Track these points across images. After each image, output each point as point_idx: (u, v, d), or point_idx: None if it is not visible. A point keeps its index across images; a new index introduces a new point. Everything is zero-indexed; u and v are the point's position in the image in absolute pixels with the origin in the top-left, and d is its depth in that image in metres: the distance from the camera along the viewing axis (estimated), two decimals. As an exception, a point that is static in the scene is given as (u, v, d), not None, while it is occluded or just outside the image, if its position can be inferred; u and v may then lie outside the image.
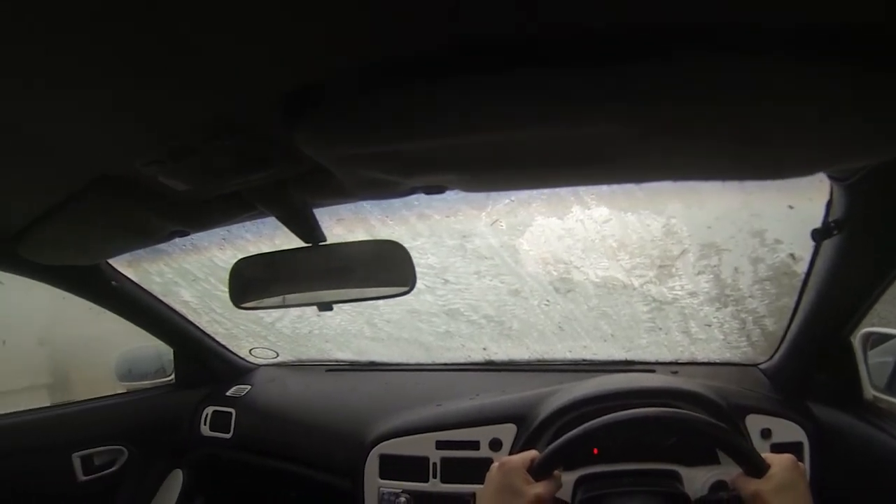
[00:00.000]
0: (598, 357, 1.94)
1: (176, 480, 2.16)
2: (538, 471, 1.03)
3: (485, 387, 1.82)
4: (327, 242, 1.22)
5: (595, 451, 1.38)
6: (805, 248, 1.33)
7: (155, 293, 1.99)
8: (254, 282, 1.29)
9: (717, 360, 1.84)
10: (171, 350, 2.24)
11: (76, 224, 1.32)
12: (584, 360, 1.96)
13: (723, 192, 1.52)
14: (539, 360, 2.03)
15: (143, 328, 2.08)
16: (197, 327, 2.18)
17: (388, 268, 1.20)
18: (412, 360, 2.22)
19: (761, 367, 1.71)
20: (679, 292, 1.78)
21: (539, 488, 1.00)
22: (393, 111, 0.70)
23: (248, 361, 2.40)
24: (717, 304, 1.75)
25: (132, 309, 1.99)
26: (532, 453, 1.07)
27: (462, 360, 2.14)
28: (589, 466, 1.37)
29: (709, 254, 1.66)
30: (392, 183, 0.99)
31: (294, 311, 2.16)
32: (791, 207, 1.40)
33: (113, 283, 1.86)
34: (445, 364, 2.16)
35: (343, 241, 1.24)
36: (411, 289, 1.20)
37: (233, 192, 1.09)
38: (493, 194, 1.60)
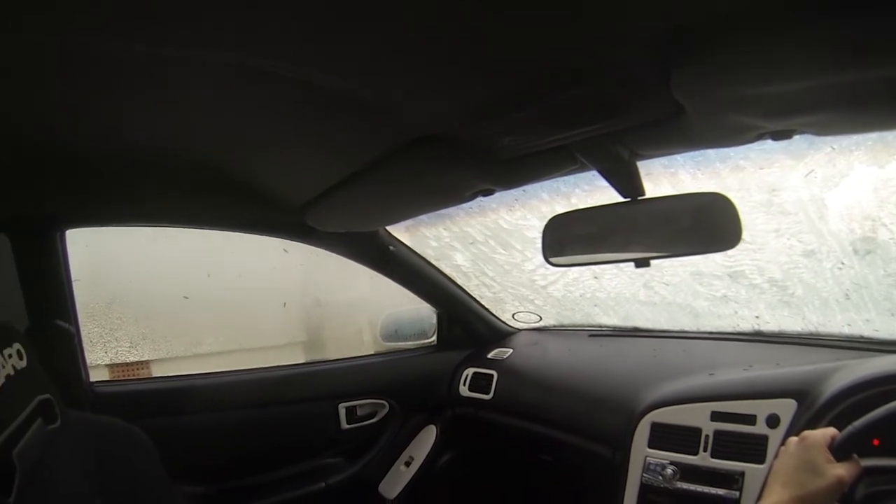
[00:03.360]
0: (880, 335, 1.66)
1: (429, 435, 2.26)
2: (840, 450, 0.94)
3: (756, 358, 1.67)
4: (646, 197, 1.15)
5: (876, 441, 1.17)
6: None
7: (428, 257, 2.05)
8: (568, 237, 1.25)
9: None
10: (434, 313, 2.33)
11: (369, 193, 1.39)
12: (862, 337, 1.69)
13: None
14: (812, 334, 1.81)
15: (411, 291, 2.18)
16: (464, 290, 2.23)
17: (711, 222, 1.10)
18: (677, 328, 2.10)
19: None
20: None
21: (841, 469, 0.90)
22: (772, 52, 0.66)
23: (509, 325, 2.42)
24: None
25: (404, 273, 2.09)
26: (831, 430, 0.96)
27: (729, 329, 1.98)
28: (871, 458, 1.16)
29: None
30: (746, 128, 0.93)
31: (571, 274, 2.14)
32: None
33: (391, 248, 1.96)
34: (711, 332, 2.01)
35: (662, 195, 1.16)
36: (735, 244, 1.08)
37: (555, 147, 1.06)
38: (817, 142, 1.43)
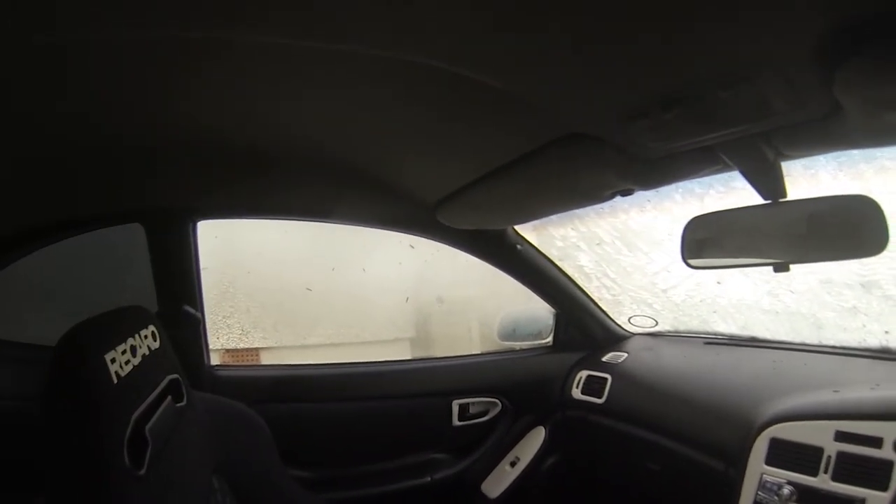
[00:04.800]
0: None
1: (538, 436, 2.27)
2: None
3: (884, 377, 1.56)
4: (789, 199, 1.13)
5: None
6: None
7: (552, 257, 2.08)
8: (708, 239, 1.25)
9: None
10: (552, 314, 2.34)
11: (504, 191, 1.42)
12: None
13: None
14: None
15: (532, 290, 2.20)
16: (584, 292, 2.24)
17: (856, 226, 1.08)
18: (798, 339, 2.00)
19: None
20: None
21: None
22: None
23: (624, 329, 2.41)
24: None
25: (527, 272, 2.12)
26: None
27: (854, 345, 1.88)
28: None
29: None
30: None
31: (694, 278, 2.13)
32: None
33: (518, 247, 2.01)
34: (835, 347, 1.91)
35: (805, 197, 1.14)
36: (882, 250, 1.05)
37: (700, 148, 1.07)
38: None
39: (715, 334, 2.24)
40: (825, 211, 1.12)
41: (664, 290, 2.27)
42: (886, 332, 1.86)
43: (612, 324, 2.38)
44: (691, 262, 1.29)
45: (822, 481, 1.31)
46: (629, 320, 2.40)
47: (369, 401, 1.99)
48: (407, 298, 3.02)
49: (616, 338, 2.37)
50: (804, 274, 1.90)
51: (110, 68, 0.86)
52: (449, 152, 1.32)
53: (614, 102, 0.95)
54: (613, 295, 2.34)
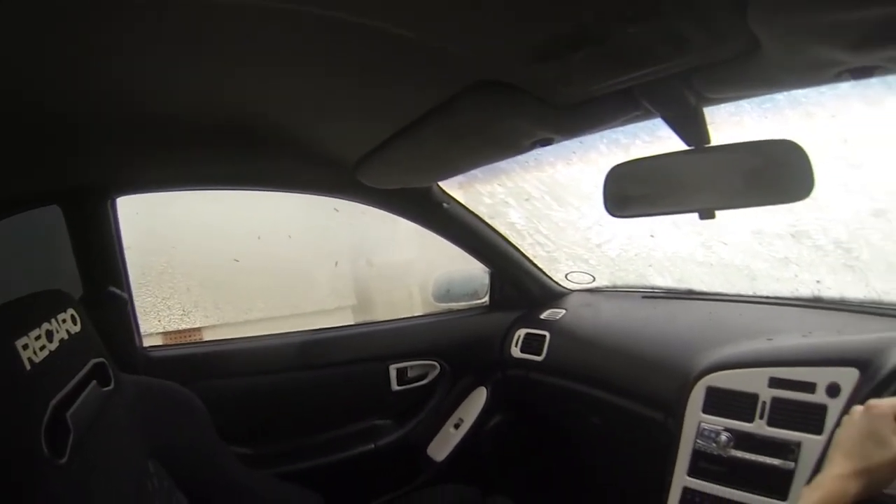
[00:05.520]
0: None
1: (479, 397, 2.26)
2: None
3: (816, 325, 1.60)
4: (713, 144, 1.10)
5: None
6: None
7: (481, 215, 2.04)
8: (631, 188, 1.21)
9: None
10: (487, 273, 2.32)
11: (423, 145, 1.37)
12: None
13: None
14: (875, 302, 1.72)
15: (464, 249, 2.17)
16: (518, 249, 2.21)
17: (781, 171, 1.05)
18: (733, 291, 2.04)
19: None
20: None
21: None
22: None
23: (562, 286, 2.40)
24: None
25: (457, 231, 2.08)
26: None
27: (787, 294, 1.92)
28: None
29: None
30: (826, 65, 0.87)
31: (626, 232, 2.11)
32: None
33: (444, 205, 1.95)
34: (769, 297, 1.95)
35: (729, 142, 1.10)
36: (807, 195, 1.03)
37: (618, 92, 1.03)
38: (896, 87, 1.35)
39: (652, 288, 2.26)
40: (750, 156, 1.09)
41: (598, 245, 2.26)
42: (818, 282, 1.88)
43: (549, 281, 2.37)
44: (614, 212, 1.25)
45: (758, 427, 1.34)
46: (566, 277, 2.39)
47: (306, 370, 1.95)
48: (336, 263, 2.95)
49: (554, 295, 2.37)
50: (736, 225, 1.89)
51: (13, 26, 0.76)
52: (363, 109, 1.27)
53: (522, 45, 0.90)
54: (548, 252, 2.32)
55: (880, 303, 1.72)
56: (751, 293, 2.01)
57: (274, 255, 2.74)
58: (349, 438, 2.05)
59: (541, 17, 0.81)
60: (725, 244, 1.98)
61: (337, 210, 2.07)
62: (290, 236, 2.66)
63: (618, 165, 1.22)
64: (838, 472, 0.84)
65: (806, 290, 1.89)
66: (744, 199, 1.12)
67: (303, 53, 0.95)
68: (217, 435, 1.39)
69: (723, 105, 1.21)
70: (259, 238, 2.61)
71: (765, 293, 1.98)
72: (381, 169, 1.62)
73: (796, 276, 1.92)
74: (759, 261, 1.97)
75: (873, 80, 1.23)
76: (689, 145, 1.12)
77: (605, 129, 1.29)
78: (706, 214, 1.16)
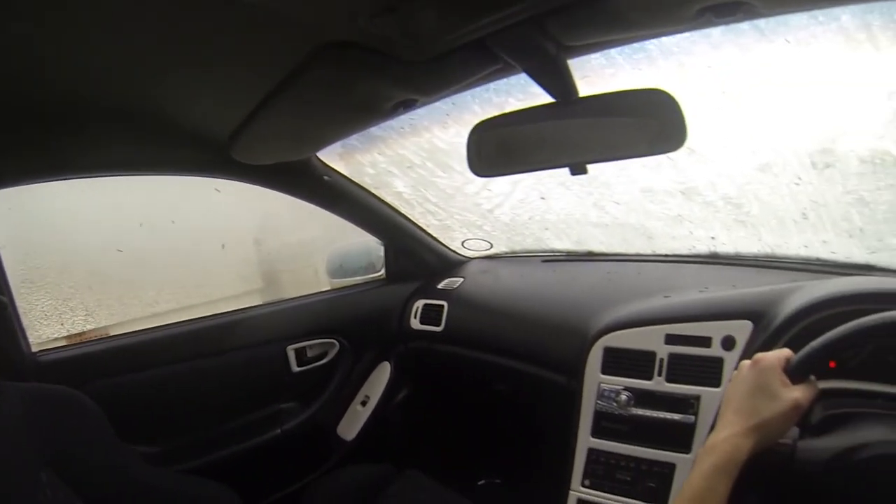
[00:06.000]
0: (837, 258, 1.64)
1: (384, 372, 2.25)
2: (796, 372, 0.88)
3: (712, 280, 1.65)
4: (581, 96, 1.05)
5: (832, 363, 1.13)
6: None
7: (367, 186, 1.97)
8: (497, 145, 1.17)
9: None
10: (382, 245, 2.27)
11: (287, 116, 1.31)
12: (818, 260, 1.67)
13: None
14: (768, 256, 1.79)
15: (353, 223, 2.10)
16: (409, 220, 2.17)
17: (652, 121, 1.01)
18: (632, 250, 2.07)
19: None
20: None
21: (797, 392, 0.85)
22: None
23: (459, 254, 2.38)
24: None
25: (344, 204, 2.01)
26: (786, 352, 0.90)
27: (685, 252, 1.96)
28: (828, 380, 1.10)
29: None
30: (685, 3, 0.82)
31: (516, 196, 2.08)
32: None
33: (325, 178, 1.86)
34: (667, 255, 2.00)
35: (598, 93, 1.05)
36: (681, 145, 1.00)
37: (473, 43, 0.96)
38: (769, 33, 1.30)
39: (552, 252, 2.25)
40: (620, 106, 1.05)
41: (490, 211, 2.22)
42: (712, 238, 1.91)
43: (445, 250, 2.35)
44: (480, 171, 1.20)
45: (658, 384, 1.39)
46: (463, 244, 2.36)
47: (203, 358, 1.85)
48: (223, 245, 2.82)
49: (451, 264, 2.35)
50: (626, 184, 1.88)
51: None
52: (222, 84, 1.19)
53: (358, 1, 0.84)
54: (440, 220, 2.27)
55: (774, 257, 1.78)
56: (649, 252, 2.04)
57: (160, 241, 2.58)
58: (255, 425, 1.99)
59: None
60: (618, 203, 1.97)
61: (218, 190, 1.93)
62: (173, 221, 2.51)
63: (480, 123, 1.17)
64: (730, 431, 0.83)
65: (702, 247, 1.92)
66: (615, 151, 1.08)
67: (149, 29, 0.89)
68: (115, 436, 1.28)
69: (592, 57, 1.17)
70: (141, 225, 2.45)
71: (663, 251, 2.01)
72: (253, 145, 1.53)
73: (691, 233, 1.94)
74: (654, 219, 1.97)
75: (744, 26, 1.21)
76: (555, 98, 1.07)
77: (469, 86, 1.22)
78: (577, 169, 1.13)
